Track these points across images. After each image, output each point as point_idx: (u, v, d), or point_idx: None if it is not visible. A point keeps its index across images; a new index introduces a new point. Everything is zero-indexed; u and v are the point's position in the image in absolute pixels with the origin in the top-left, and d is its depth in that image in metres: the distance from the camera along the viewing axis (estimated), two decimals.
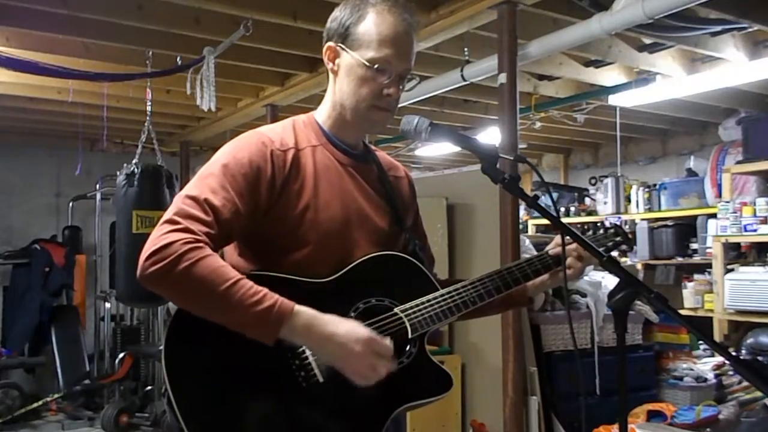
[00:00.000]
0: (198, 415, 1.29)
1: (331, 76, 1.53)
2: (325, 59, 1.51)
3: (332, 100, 1.53)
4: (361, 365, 1.30)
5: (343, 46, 1.47)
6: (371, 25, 1.44)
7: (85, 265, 6.66)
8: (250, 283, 1.28)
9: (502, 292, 1.54)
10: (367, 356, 1.30)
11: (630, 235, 1.83)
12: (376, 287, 1.45)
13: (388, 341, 1.34)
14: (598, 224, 1.80)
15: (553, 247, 1.59)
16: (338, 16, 1.50)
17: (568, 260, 1.56)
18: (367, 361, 1.30)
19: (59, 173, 7.01)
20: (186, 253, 1.24)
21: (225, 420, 1.31)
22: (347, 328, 1.31)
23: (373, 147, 1.65)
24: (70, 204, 6.91)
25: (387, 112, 1.49)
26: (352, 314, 1.41)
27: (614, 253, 1.74)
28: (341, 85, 1.49)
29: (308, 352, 1.35)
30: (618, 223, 6.10)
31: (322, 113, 1.55)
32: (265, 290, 1.28)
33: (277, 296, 1.28)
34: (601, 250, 1.67)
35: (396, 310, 1.44)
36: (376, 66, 1.44)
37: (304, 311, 1.29)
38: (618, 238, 1.72)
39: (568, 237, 1.57)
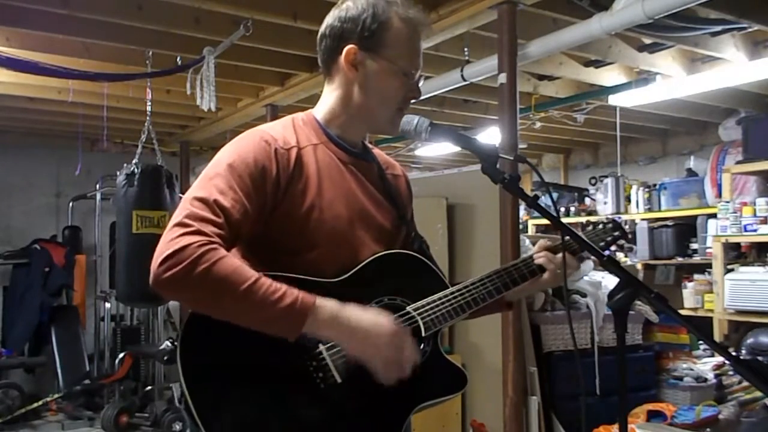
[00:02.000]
0: (218, 420, 1.28)
1: (344, 77, 1.48)
2: (344, 62, 1.46)
3: (344, 102, 1.50)
4: (386, 358, 1.31)
5: (369, 52, 1.45)
6: (400, 31, 1.45)
7: (85, 265, 6.66)
8: (270, 280, 1.27)
9: (510, 288, 1.54)
10: (391, 349, 1.31)
11: (629, 235, 1.83)
12: (387, 286, 1.44)
13: (409, 336, 1.35)
14: (596, 221, 1.81)
15: (538, 251, 1.59)
16: (356, 16, 1.44)
17: (551, 266, 1.55)
18: (391, 354, 1.31)
19: (59, 173, 7.01)
20: (203, 255, 1.22)
21: (245, 423, 1.30)
22: (372, 320, 1.32)
23: (370, 145, 1.64)
24: (70, 204, 6.91)
25: (404, 113, 1.50)
26: None
27: (614, 250, 1.74)
28: (367, 90, 1.47)
29: (325, 353, 1.34)
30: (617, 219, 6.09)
31: (325, 112, 1.52)
32: (285, 287, 1.27)
33: (297, 291, 1.27)
34: (600, 245, 1.67)
35: (408, 308, 1.44)
36: (410, 72, 1.45)
37: (326, 304, 1.29)
38: (616, 233, 1.72)
39: (543, 241, 1.60)
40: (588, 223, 1.94)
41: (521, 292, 1.62)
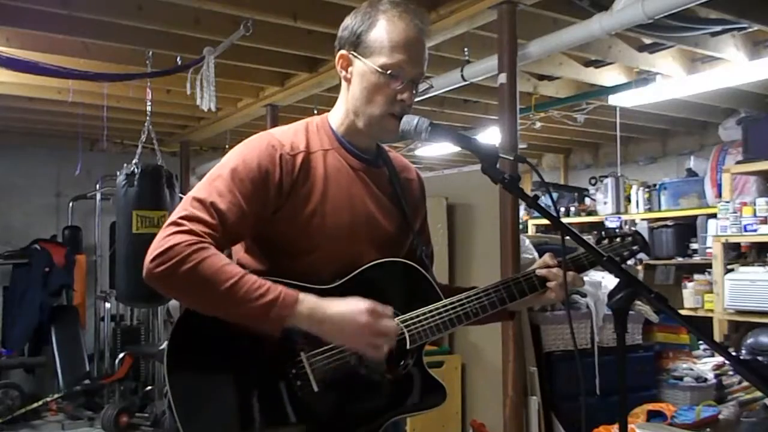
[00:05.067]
0: (196, 419, 1.31)
1: (343, 83, 1.53)
2: (338, 68, 1.51)
3: (345, 108, 1.52)
4: (369, 335, 1.33)
5: (355, 54, 1.47)
6: (383, 31, 1.44)
7: (85, 265, 6.65)
8: (254, 277, 1.30)
9: (506, 303, 1.52)
10: (371, 326, 1.33)
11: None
12: (379, 295, 1.44)
13: (389, 309, 1.37)
14: (617, 230, 1.71)
15: (540, 265, 1.56)
16: (349, 24, 1.49)
17: (553, 283, 1.52)
18: (373, 330, 1.33)
19: (59, 173, 7.00)
20: (190, 254, 1.27)
21: (221, 425, 1.32)
22: (347, 305, 1.34)
23: (386, 147, 1.64)
24: (70, 204, 6.91)
25: (399, 120, 1.48)
26: None
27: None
28: (354, 92, 1.49)
29: (305, 361, 1.36)
30: (618, 223, 6.03)
31: (336, 118, 1.55)
32: (269, 283, 1.30)
33: (281, 287, 1.30)
34: (617, 259, 1.61)
35: (396, 320, 1.44)
36: (389, 72, 1.43)
37: (308, 299, 1.32)
38: (635, 247, 1.66)
39: (547, 257, 1.56)
40: (606, 236, 1.80)
41: (523, 304, 1.60)
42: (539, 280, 1.54)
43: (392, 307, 1.43)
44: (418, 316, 1.45)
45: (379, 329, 1.34)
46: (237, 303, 1.28)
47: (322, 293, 1.39)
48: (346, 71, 1.50)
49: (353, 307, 1.34)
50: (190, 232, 1.29)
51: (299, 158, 1.44)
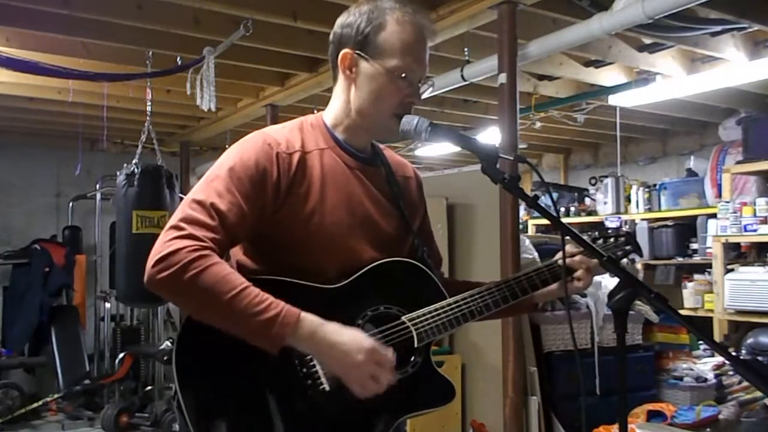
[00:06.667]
0: (206, 421, 1.30)
1: (344, 82, 1.50)
2: (341, 66, 1.48)
3: (346, 107, 1.50)
4: (362, 375, 1.29)
5: (362, 54, 1.45)
6: (393, 33, 1.44)
7: (85, 265, 6.65)
8: (257, 291, 1.27)
9: (510, 301, 1.52)
10: (368, 366, 1.29)
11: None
12: (384, 294, 1.44)
13: (390, 352, 1.33)
14: (610, 231, 1.73)
15: (575, 252, 1.56)
16: (352, 22, 1.47)
17: (578, 272, 1.54)
18: (368, 370, 1.29)
19: (59, 173, 7.00)
20: (192, 261, 1.24)
21: (230, 425, 1.31)
22: (350, 336, 1.30)
23: (381, 146, 1.63)
24: (70, 204, 6.91)
25: (401, 120, 1.47)
26: (360, 321, 1.41)
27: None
28: (361, 93, 1.47)
29: (316, 360, 1.35)
30: (618, 223, 6.01)
31: (332, 117, 1.53)
32: (271, 299, 1.27)
33: (282, 304, 1.27)
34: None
35: (403, 318, 1.43)
36: (402, 75, 1.43)
37: (309, 320, 1.28)
38: (628, 248, 1.69)
39: (570, 246, 1.56)
40: (599, 236, 1.84)
41: (549, 294, 1.60)
42: (554, 273, 1.55)
43: (399, 306, 1.43)
44: (425, 314, 1.45)
45: (374, 375, 1.30)
46: (237, 315, 1.25)
47: (327, 293, 1.38)
48: (350, 71, 1.47)
49: (355, 342, 1.30)
50: (191, 236, 1.27)
51: (295, 157, 1.42)
